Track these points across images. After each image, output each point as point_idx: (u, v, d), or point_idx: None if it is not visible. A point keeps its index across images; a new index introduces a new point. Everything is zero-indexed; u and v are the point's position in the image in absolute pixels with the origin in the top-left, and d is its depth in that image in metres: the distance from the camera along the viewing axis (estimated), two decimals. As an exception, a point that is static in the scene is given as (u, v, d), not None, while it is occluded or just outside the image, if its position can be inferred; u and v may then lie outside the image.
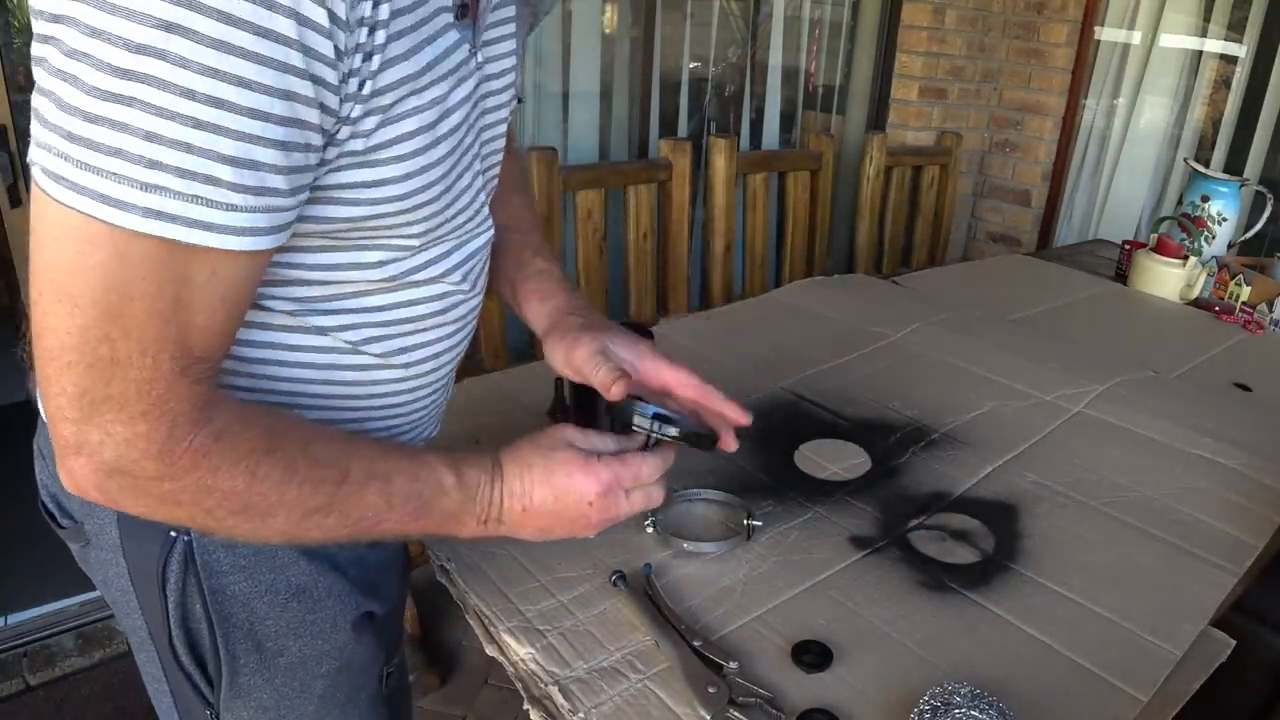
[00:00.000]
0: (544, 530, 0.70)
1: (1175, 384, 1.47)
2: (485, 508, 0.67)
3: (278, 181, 0.50)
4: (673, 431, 0.74)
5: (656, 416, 0.74)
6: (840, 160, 2.93)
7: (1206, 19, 2.91)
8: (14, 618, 1.79)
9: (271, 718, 0.72)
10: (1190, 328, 1.80)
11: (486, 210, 0.75)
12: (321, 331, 0.64)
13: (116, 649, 1.79)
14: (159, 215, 0.46)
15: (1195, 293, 1.94)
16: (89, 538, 0.69)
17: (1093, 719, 0.75)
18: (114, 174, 0.45)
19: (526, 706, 0.76)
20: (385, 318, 0.66)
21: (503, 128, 0.76)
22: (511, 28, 0.72)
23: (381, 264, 0.64)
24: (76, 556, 0.74)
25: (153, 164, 0.46)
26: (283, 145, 0.49)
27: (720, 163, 2.29)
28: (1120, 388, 1.41)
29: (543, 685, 0.75)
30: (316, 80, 0.49)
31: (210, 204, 0.47)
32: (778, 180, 2.62)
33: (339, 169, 0.55)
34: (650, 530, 0.93)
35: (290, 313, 0.62)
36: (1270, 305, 1.78)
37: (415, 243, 0.64)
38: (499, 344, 1.94)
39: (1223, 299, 1.88)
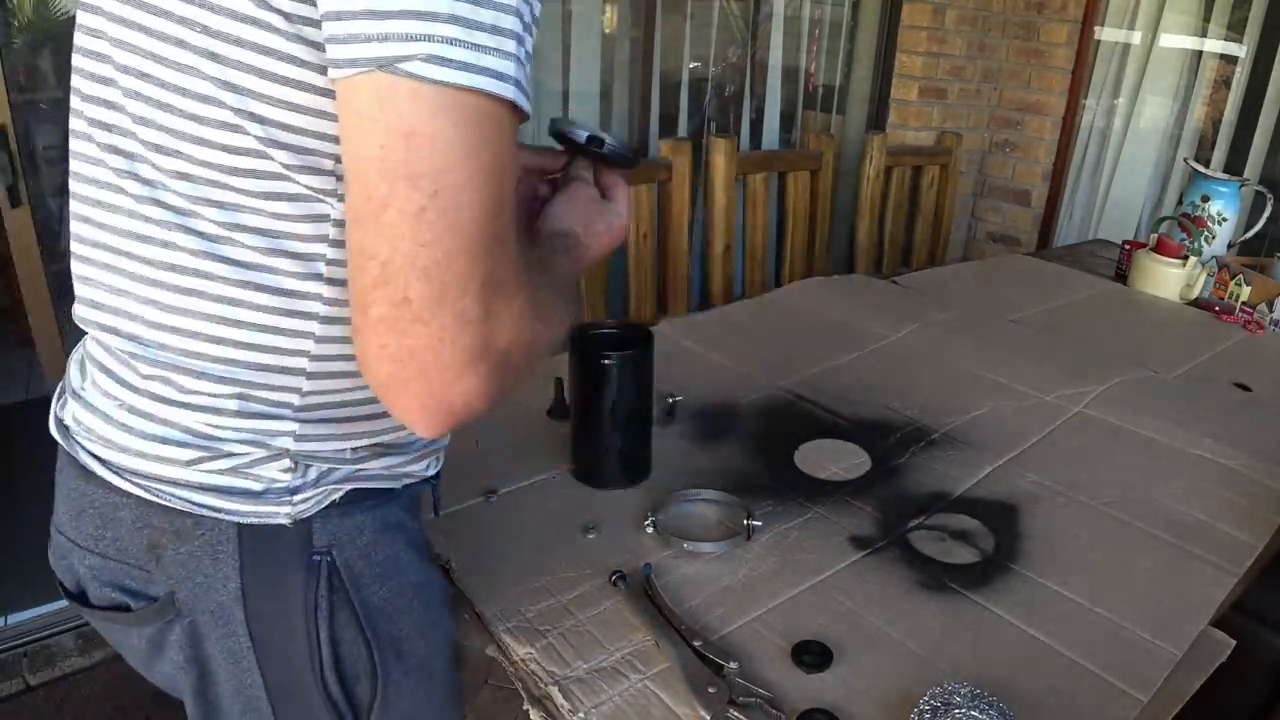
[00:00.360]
0: (594, 232, 0.73)
1: (1175, 384, 1.47)
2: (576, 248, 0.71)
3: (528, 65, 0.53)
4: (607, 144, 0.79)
5: (590, 138, 0.79)
6: (840, 160, 2.93)
7: (1206, 19, 2.91)
8: (14, 618, 1.79)
9: None
10: (1190, 328, 1.80)
11: None
12: None
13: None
14: (517, 84, 0.49)
15: (1195, 293, 1.94)
16: (180, 607, 0.62)
17: (1093, 719, 0.75)
18: (496, 50, 0.47)
19: (526, 706, 0.75)
20: None
21: None
22: None
23: None
24: (137, 644, 0.66)
25: (514, 35, 0.48)
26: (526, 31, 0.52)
27: (720, 163, 2.28)
28: (1120, 388, 1.41)
29: (543, 685, 0.75)
30: (534, 10, 0.52)
31: (523, 74, 0.50)
32: (778, 180, 2.62)
33: None
34: (650, 530, 0.93)
35: None
36: (1270, 305, 1.78)
37: None
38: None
39: (1223, 299, 1.88)
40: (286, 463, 0.60)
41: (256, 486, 0.59)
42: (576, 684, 0.74)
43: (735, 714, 0.71)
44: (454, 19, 0.46)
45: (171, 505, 0.60)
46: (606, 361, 1.00)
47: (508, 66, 0.48)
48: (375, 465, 0.64)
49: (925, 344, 1.54)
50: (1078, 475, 1.13)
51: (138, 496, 0.60)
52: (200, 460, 0.59)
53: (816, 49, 3.07)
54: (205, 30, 0.50)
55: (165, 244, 0.55)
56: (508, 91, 0.48)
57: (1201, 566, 0.96)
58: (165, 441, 0.59)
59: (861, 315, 1.65)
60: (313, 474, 0.61)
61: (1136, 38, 3.03)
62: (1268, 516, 1.07)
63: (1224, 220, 2.07)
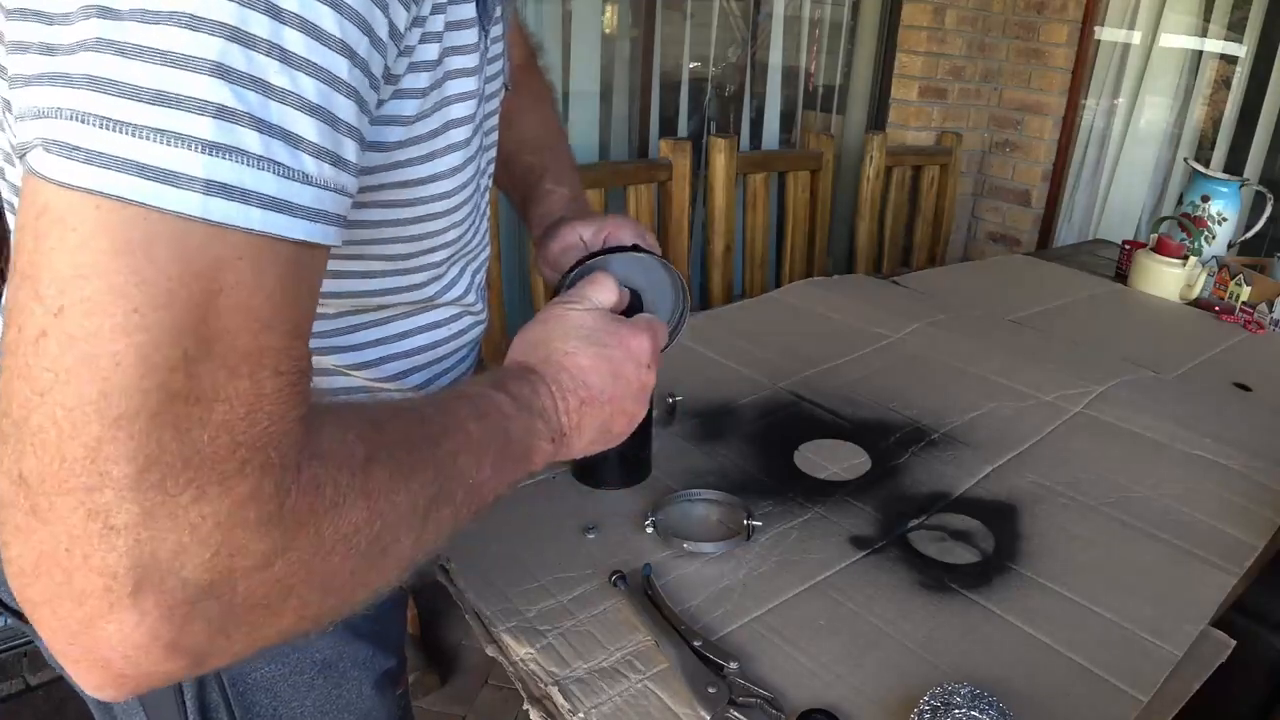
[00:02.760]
0: (605, 423, 0.59)
1: (1175, 384, 1.47)
2: (548, 418, 0.55)
3: (349, 150, 0.37)
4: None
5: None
6: (840, 160, 2.93)
7: (1206, 19, 2.91)
8: (14, 618, 1.79)
9: None
10: (1190, 328, 1.80)
11: (487, 222, 0.69)
12: (343, 371, 0.57)
13: (116, 649, 1.79)
14: (226, 191, 0.32)
15: (1195, 293, 1.94)
16: None
17: (1093, 719, 0.75)
18: (163, 131, 0.31)
19: (526, 707, 0.75)
20: (408, 346, 0.59)
21: (495, 121, 0.66)
22: (500, 8, 0.63)
23: (416, 286, 0.57)
24: (44, 650, 0.65)
25: (222, 111, 0.32)
26: (359, 98, 0.37)
27: (720, 163, 2.29)
28: (1120, 388, 1.41)
29: (542, 685, 0.75)
30: (391, 21, 0.38)
31: (286, 173, 0.34)
32: (778, 180, 2.62)
33: (394, 164, 0.46)
34: (650, 530, 0.93)
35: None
36: (1270, 305, 1.78)
37: (441, 256, 0.57)
38: (499, 344, 1.94)
39: (1223, 299, 1.88)
40: None
41: None
42: (576, 684, 0.74)
43: (735, 714, 0.71)
44: (92, 82, 0.30)
45: None
46: None
47: (184, 160, 0.31)
48: None
49: (925, 344, 1.54)
50: (1078, 475, 1.13)
51: None
52: None
53: (816, 49, 3.07)
54: None
55: None
56: (178, 200, 0.31)
57: (1201, 566, 0.96)
58: None
59: (861, 315, 1.65)
60: None
61: (1136, 38, 3.03)
62: (1268, 517, 1.07)
63: (1224, 220, 2.07)
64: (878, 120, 3.12)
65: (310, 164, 0.35)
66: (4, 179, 0.49)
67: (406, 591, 0.78)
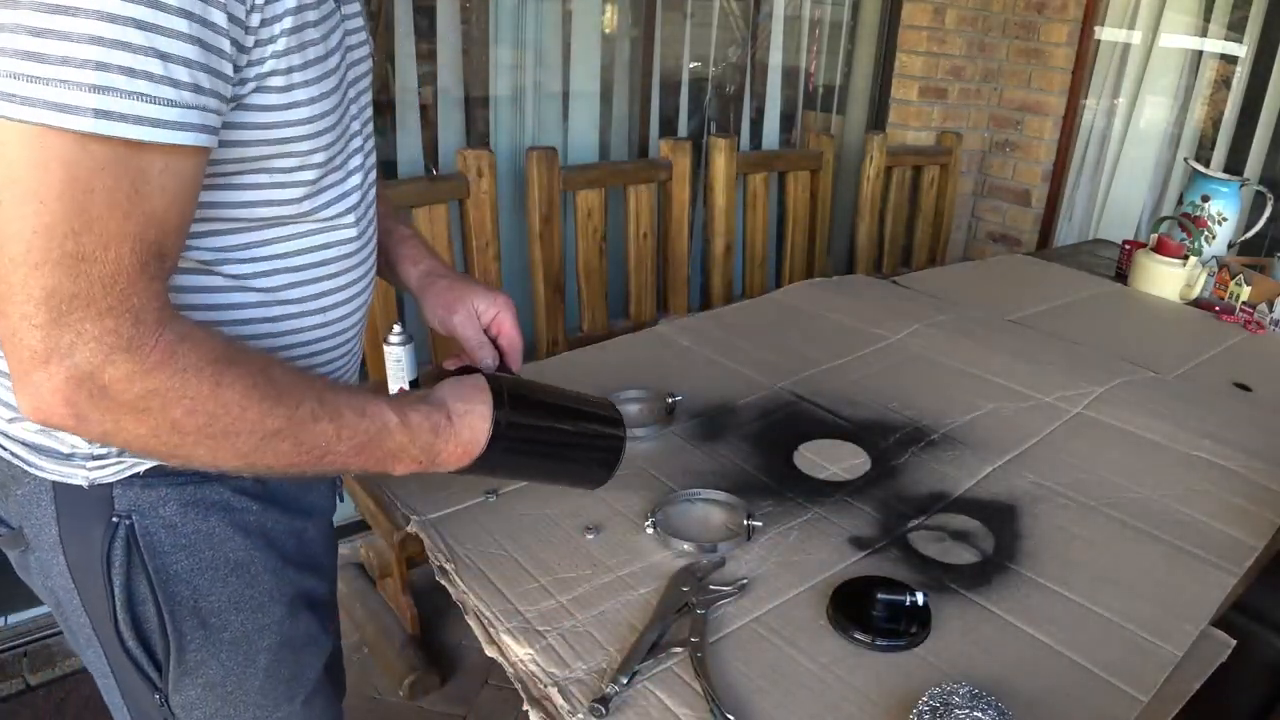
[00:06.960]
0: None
1: (1175, 384, 1.47)
2: (426, 453, 0.71)
3: (204, 79, 0.54)
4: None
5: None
6: (840, 160, 2.93)
7: (1206, 19, 2.91)
8: (14, 618, 1.78)
9: (219, 694, 0.74)
10: (1190, 328, 1.80)
11: (370, 165, 0.78)
12: (242, 284, 0.67)
13: (116, 649, 1.78)
14: (109, 115, 0.50)
15: (1195, 293, 1.94)
16: (28, 541, 0.70)
17: (1093, 719, 0.75)
18: (62, 81, 0.49)
19: (526, 707, 0.76)
20: (297, 262, 0.70)
21: (367, 83, 0.78)
22: None
23: (291, 200, 0.67)
24: (16, 566, 0.75)
25: (101, 65, 0.49)
26: (201, 44, 0.53)
27: (720, 163, 2.29)
28: (1120, 389, 1.41)
29: (542, 686, 0.75)
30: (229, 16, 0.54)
31: (153, 100, 0.51)
32: (778, 180, 2.62)
33: (261, 90, 0.60)
34: (650, 531, 0.93)
35: (208, 264, 0.65)
36: (1270, 305, 1.78)
37: (312, 176, 0.67)
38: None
39: (1223, 299, 1.88)
40: None
41: (63, 449, 0.65)
42: (576, 685, 0.74)
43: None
44: (17, 54, 0.48)
45: (2, 455, 0.68)
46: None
47: (78, 97, 0.49)
48: None
49: (925, 344, 1.54)
50: (1078, 475, 1.13)
51: None
52: (16, 419, 0.65)
53: (816, 49, 3.07)
54: None
55: None
56: (77, 123, 0.49)
57: (1201, 566, 0.96)
58: None
59: (861, 315, 1.65)
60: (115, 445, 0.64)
61: (1136, 38, 3.03)
62: (1267, 517, 1.07)
63: (1224, 220, 2.07)
64: (878, 120, 3.12)
65: (171, 92, 0.52)
66: None
67: (329, 525, 0.87)
